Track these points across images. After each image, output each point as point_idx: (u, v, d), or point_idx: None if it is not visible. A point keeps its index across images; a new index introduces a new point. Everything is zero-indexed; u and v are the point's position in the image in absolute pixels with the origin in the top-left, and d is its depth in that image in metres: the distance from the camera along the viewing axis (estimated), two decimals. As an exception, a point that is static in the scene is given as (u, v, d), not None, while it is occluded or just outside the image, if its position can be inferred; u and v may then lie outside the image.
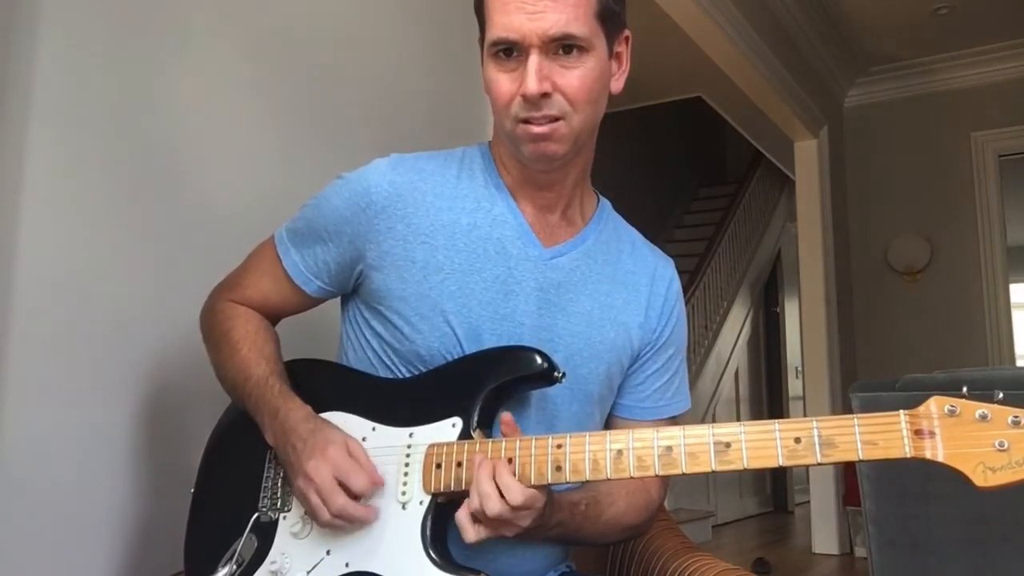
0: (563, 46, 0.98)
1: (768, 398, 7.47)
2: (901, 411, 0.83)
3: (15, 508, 1.12)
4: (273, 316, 1.17)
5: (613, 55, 1.06)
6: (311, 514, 0.98)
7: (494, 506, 0.90)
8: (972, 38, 4.85)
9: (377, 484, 0.98)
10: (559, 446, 0.93)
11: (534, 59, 0.97)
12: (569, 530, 1.03)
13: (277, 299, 1.15)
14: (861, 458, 0.84)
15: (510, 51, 0.99)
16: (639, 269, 1.17)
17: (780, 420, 0.87)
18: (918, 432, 0.82)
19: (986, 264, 4.93)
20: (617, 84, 1.08)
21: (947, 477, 0.81)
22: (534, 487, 0.92)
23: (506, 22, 0.98)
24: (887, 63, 5.21)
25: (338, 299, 1.18)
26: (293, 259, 1.12)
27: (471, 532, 0.92)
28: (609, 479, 0.93)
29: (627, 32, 1.08)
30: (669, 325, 1.17)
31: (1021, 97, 4.91)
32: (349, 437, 1.00)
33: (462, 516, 0.93)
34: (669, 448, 0.90)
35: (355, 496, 0.96)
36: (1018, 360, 6.23)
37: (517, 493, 0.90)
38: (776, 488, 7.15)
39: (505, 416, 0.97)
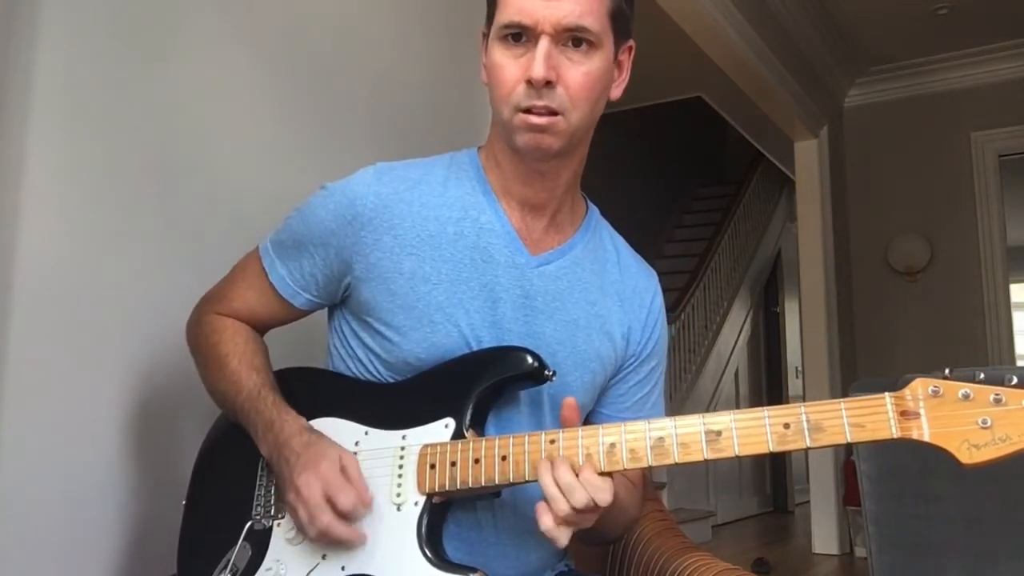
0: (573, 38, 0.98)
1: (768, 398, 7.48)
2: (886, 393, 0.85)
3: (10, 510, 1.12)
4: (260, 328, 1.16)
5: (616, 61, 1.06)
6: (299, 529, 0.98)
7: (581, 498, 0.88)
8: (972, 38, 4.85)
9: (366, 504, 0.97)
10: (552, 441, 0.93)
11: (544, 45, 0.97)
12: (604, 522, 0.99)
13: (263, 312, 1.14)
14: (849, 440, 0.85)
15: (519, 36, 0.99)
16: (625, 279, 1.16)
17: (769, 407, 0.89)
18: (904, 413, 0.84)
19: (986, 264, 4.93)
20: (616, 92, 1.08)
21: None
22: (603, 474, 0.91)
23: (521, 5, 0.98)
24: (887, 63, 5.21)
25: (325, 310, 1.17)
26: (279, 272, 1.11)
27: (562, 536, 0.90)
28: (603, 472, 0.92)
29: (632, 42, 1.08)
30: (653, 338, 1.17)
31: (1021, 97, 4.90)
32: (344, 452, 0.99)
33: (549, 526, 0.90)
34: (661, 439, 0.91)
35: (342, 514, 0.95)
36: (1018, 360, 6.23)
37: (607, 491, 0.89)
38: (776, 488, 7.16)
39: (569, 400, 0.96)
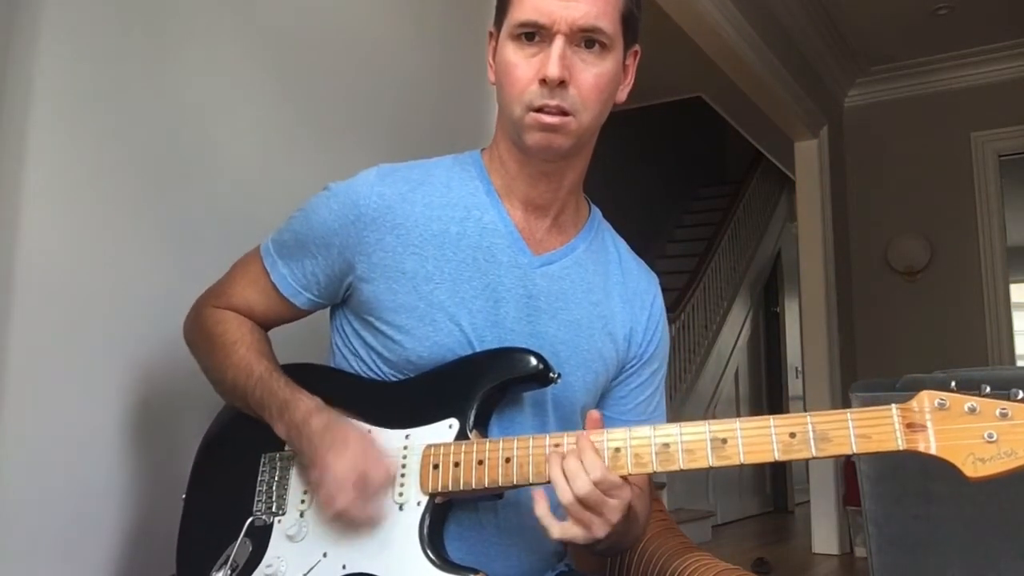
0: (587, 40, 0.99)
1: (768, 398, 7.47)
2: (893, 405, 0.85)
3: (10, 509, 1.12)
4: (260, 326, 1.16)
5: (623, 65, 1.06)
6: (321, 505, 0.97)
7: (583, 485, 0.88)
8: (972, 38, 4.85)
9: (392, 479, 0.98)
10: (557, 445, 0.93)
11: (559, 44, 0.98)
12: (621, 533, 0.98)
13: (264, 310, 1.14)
14: (855, 451, 0.86)
15: (532, 36, 1.00)
16: (627, 281, 1.17)
17: (775, 415, 0.89)
18: (910, 425, 0.84)
19: (986, 264, 4.93)
20: (621, 95, 1.08)
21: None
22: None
23: (538, 4, 0.98)
24: (887, 63, 5.21)
25: (326, 308, 1.17)
26: (281, 272, 1.11)
27: (555, 527, 0.90)
28: None
29: (638, 47, 1.09)
30: (655, 340, 1.17)
31: (1021, 97, 4.90)
32: (363, 431, 1.00)
33: (543, 512, 0.90)
34: (667, 445, 0.90)
35: (373, 488, 0.96)
36: (1018, 360, 6.23)
37: (598, 468, 0.88)
38: (776, 488, 7.15)
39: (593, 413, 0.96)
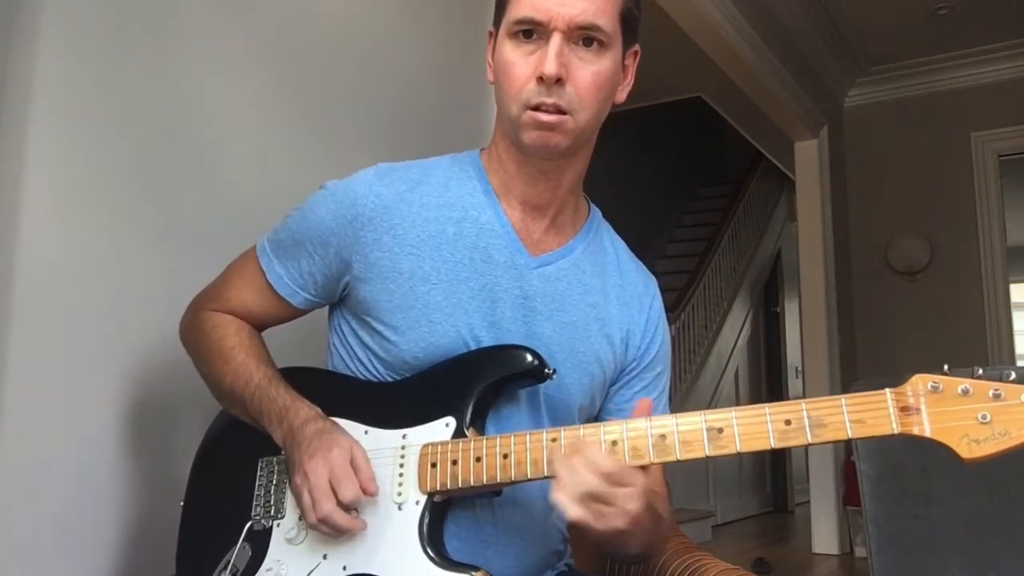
0: (585, 37, 0.99)
1: (768, 398, 7.44)
2: (887, 389, 0.85)
3: (10, 510, 1.12)
4: (257, 327, 1.16)
5: (622, 65, 1.06)
6: (302, 513, 0.98)
7: (588, 480, 0.86)
8: (972, 38, 4.85)
9: (368, 495, 0.96)
10: (554, 440, 0.93)
11: (556, 41, 0.97)
12: (650, 535, 0.97)
13: (260, 311, 1.14)
14: (850, 436, 0.85)
15: (530, 33, 1.00)
16: (624, 283, 1.16)
17: (770, 404, 0.88)
18: (904, 409, 0.84)
19: (986, 264, 4.93)
20: (620, 95, 1.08)
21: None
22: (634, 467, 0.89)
23: (535, 1, 0.98)
24: (887, 63, 5.21)
25: (324, 308, 1.17)
26: (277, 271, 1.11)
27: (573, 508, 0.87)
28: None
29: (638, 47, 1.09)
30: (655, 343, 1.16)
31: (1021, 97, 4.90)
32: (356, 443, 0.99)
33: (560, 496, 0.88)
34: (663, 436, 0.91)
35: (344, 505, 0.95)
36: (1018, 360, 6.23)
37: (607, 461, 0.86)
38: (776, 488, 7.16)
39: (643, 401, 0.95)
